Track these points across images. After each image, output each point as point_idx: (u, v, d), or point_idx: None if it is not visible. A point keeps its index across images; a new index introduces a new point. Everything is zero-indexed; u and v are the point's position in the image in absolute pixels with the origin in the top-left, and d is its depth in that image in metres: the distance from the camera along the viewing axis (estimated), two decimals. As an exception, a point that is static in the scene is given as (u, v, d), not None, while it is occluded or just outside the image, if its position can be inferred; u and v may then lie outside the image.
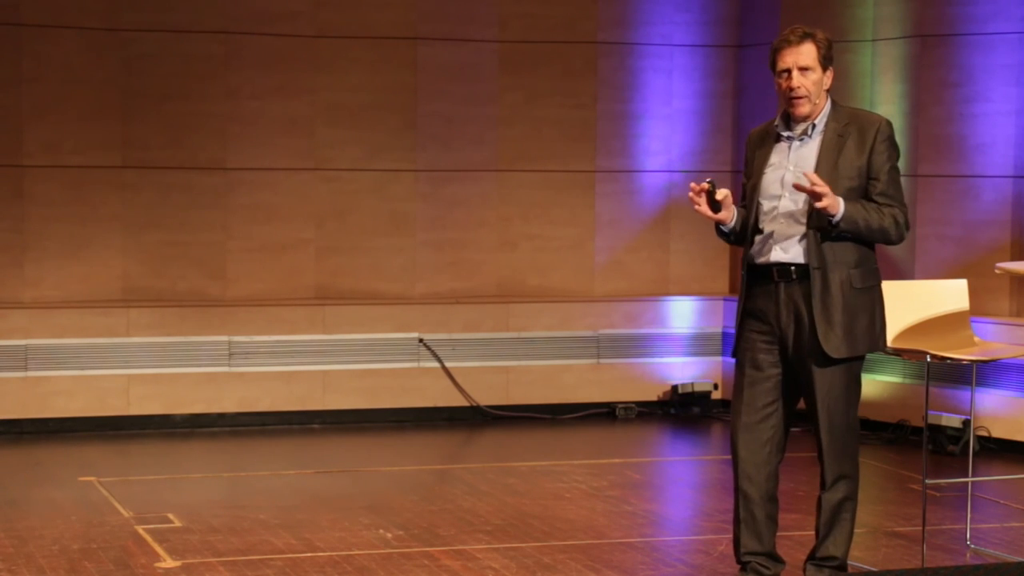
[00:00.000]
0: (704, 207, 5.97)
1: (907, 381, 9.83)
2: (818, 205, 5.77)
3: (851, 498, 6.06)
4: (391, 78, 10.62)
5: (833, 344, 5.88)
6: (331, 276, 10.61)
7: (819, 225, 5.88)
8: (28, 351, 9.88)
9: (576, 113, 10.90)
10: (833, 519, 6.05)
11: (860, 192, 5.92)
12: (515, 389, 10.62)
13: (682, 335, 10.76)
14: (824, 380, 5.93)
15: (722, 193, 5.93)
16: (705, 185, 5.92)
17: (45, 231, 10.19)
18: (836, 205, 5.80)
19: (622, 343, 10.76)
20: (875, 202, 5.91)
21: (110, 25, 10.19)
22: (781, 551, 6.25)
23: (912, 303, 6.93)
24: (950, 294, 7.01)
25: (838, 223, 5.82)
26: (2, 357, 9.84)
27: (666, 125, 11.00)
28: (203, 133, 10.38)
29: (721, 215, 5.99)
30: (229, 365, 10.18)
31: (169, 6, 10.27)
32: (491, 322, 10.60)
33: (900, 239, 5.95)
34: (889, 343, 6.78)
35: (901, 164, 10.26)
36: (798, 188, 5.80)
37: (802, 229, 5.90)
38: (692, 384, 10.66)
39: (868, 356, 6.10)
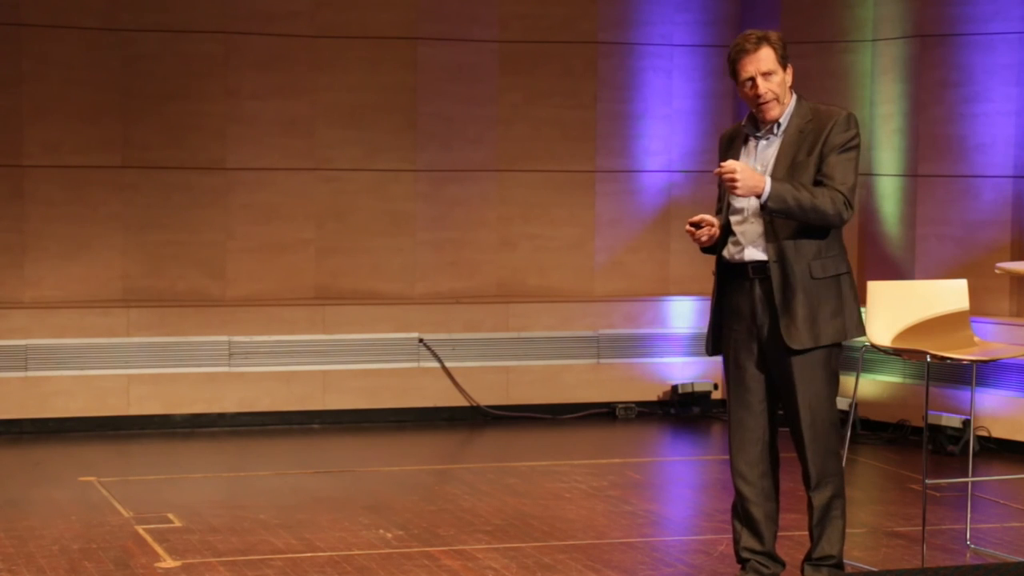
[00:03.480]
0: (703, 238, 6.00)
1: (907, 381, 9.83)
2: (736, 192, 5.82)
3: (839, 495, 6.07)
4: (391, 78, 10.62)
5: (795, 336, 5.90)
6: (331, 276, 10.61)
7: (774, 219, 5.91)
8: (28, 351, 9.88)
9: (576, 113, 10.90)
10: (824, 518, 6.06)
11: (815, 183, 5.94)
12: (515, 389, 10.62)
13: (682, 335, 10.76)
14: (804, 375, 5.94)
15: (713, 231, 6.01)
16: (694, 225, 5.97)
17: (45, 231, 10.19)
18: (759, 186, 5.81)
19: (622, 343, 10.76)
20: (820, 184, 5.89)
21: (110, 25, 10.19)
22: (781, 551, 6.26)
23: (912, 303, 6.93)
24: (950, 294, 7.01)
25: (765, 202, 5.83)
26: (2, 357, 9.83)
27: (666, 125, 11.00)
28: (203, 133, 10.38)
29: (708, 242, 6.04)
30: (229, 365, 10.18)
31: (169, 6, 10.27)
32: (491, 322, 10.60)
33: (840, 219, 5.88)
34: (889, 343, 6.78)
35: (901, 164, 10.30)
36: (719, 175, 5.85)
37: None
38: (692, 384, 10.66)
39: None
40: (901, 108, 10.10)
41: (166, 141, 10.33)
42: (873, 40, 10.26)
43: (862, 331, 6.10)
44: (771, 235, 5.91)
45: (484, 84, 10.78)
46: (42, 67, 10.11)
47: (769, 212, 5.84)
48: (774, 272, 5.91)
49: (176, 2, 10.28)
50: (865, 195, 10.28)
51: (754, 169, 5.94)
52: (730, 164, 5.84)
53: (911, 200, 10.04)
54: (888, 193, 10.19)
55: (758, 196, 5.82)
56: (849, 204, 5.88)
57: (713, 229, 5.96)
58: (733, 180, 5.81)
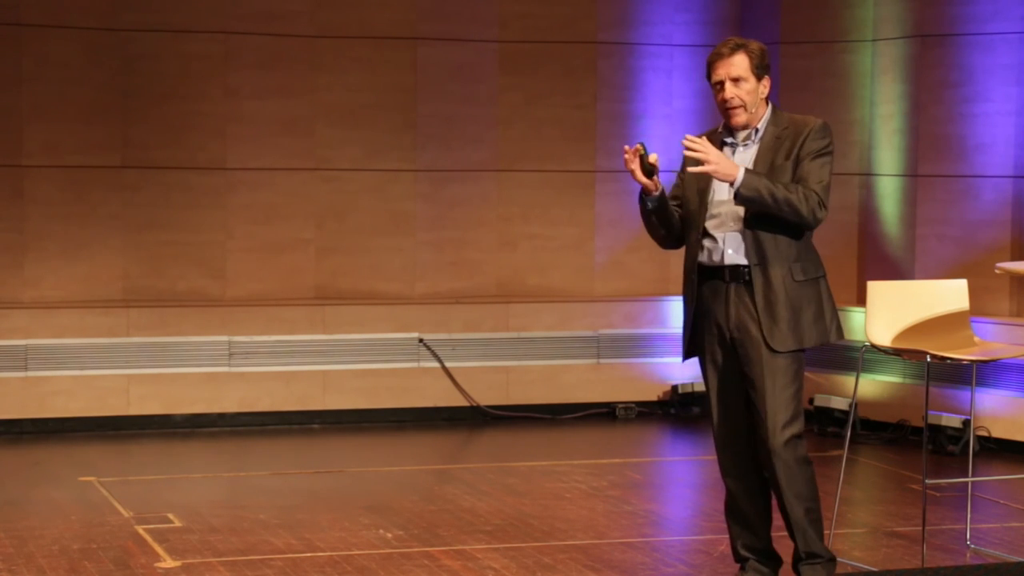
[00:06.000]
0: (638, 170, 5.94)
1: (907, 381, 9.83)
2: (702, 170, 5.81)
3: (808, 498, 6.05)
4: (391, 78, 10.62)
5: (778, 339, 5.93)
6: (331, 276, 10.61)
7: (755, 222, 5.92)
8: (28, 351, 9.88)
9: (576, 113, 10.90)
10: (797, 520, 6.04)
11: None
12: (515, 389, 10.62)
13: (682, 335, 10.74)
14: (774, 376, 5.94)
15: (654, 157, 5.94)
16: (638, 147, 5.93)
17: (45, 231, 10.19)
18: (731, 172, 5.82)
19: (622, 343, 10.76)
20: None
21: (110, 25, 10.20)
22: (777, 548, 6.26)
23: (912, 303, 6.93)
24: (950, 294, 7.01)
25: (738, 190, 5.84)
26: (2, 357, 9.83)
27: (666, 125, 11.00)
28: (203, 133, 10.38)
29: (649, 182, 5.97)
30: (229, 365, 10.19)
31: (169, 6, 10.27)
32: (491, 322, 10.60)
33: (813, 217, 5.89)
34: (889, 343, 6.79)
35: (901, 164, 10.30)
36: (688, 148, 5.82)
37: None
38: (692, 384, 10.66)
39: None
40: (901, 108, 10.10)
41: (166, 141, 10.33)
42: (873, 40, 10.26)
43: (842, 334, 6.11)
44: (751, 239, 5.94)
45: (484, 84, 10.78)
46: (42, 67, 10.11)
47: (741, 200, 5.86)
48: (756, 275, 5.94)
49: (176, 2, 10.28)
50: (865, 195, 10.28)
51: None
52: (703, 142, 5.86)
53: (911, 200, 10.04)
54: (888, 193, 10.19)
55: (731, 183, 5.85)
56: (823, 204, 5.91)
57: (635, 161, 5.92)
58: (706, 156, 5.80)
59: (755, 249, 5.93)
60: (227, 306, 10.28)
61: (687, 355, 6.22)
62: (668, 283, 10.98)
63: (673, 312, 10.78)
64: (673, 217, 6.11)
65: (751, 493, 6.14)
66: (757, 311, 5.93)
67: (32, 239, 10.18)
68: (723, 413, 6.12)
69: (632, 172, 5.94)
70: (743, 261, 5.97)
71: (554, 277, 10.95)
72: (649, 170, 5.94)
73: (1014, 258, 9.60)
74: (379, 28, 10.59)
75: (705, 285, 6.06)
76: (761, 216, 5.91)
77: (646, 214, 6.10)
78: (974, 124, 9.81)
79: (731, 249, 5.98)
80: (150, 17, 10.25)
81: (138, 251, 10.32)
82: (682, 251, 6.23)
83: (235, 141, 10.43)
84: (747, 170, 5.85)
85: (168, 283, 10.36)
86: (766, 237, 5.93)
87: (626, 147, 5.97)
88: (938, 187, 9.95)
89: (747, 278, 5.96)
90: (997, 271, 7.30)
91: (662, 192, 6.02)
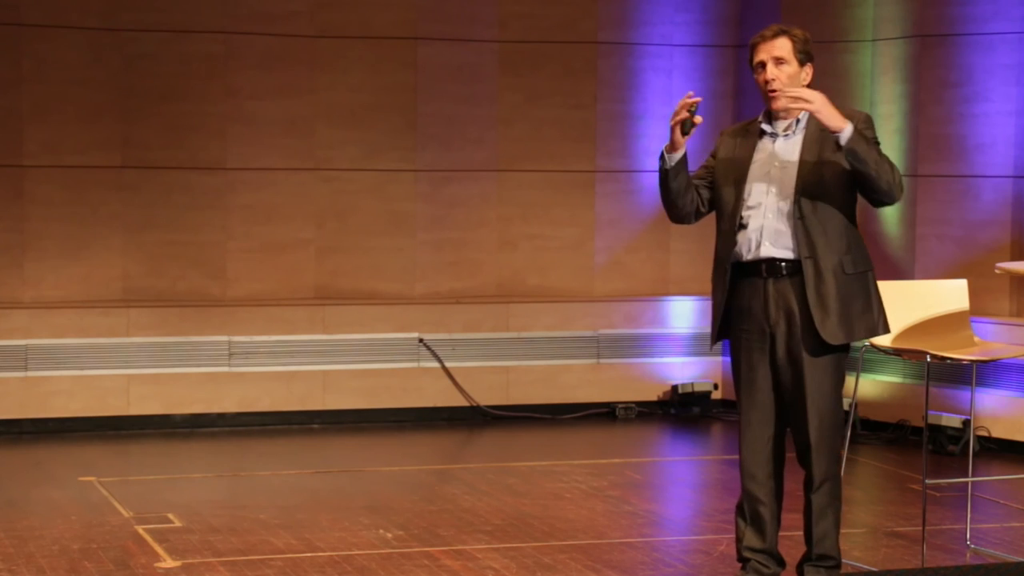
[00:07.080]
0: (682, 122, 5.92)
1: (907, 381, 9.83)
2: (806, 107, 5.74)
3: (837, 498, 6.07)
4: (391, 78, 10.62)
5: (830, 330, 5.87)
6: (331, 276, 10.61)
7: (803, 216, 5.87)
8: (28, 351, 9.88)
9: (576, 113, 10.90)
10: (823, 521, 6.05)
11: (845, 178, 5.86)
12: (515, 389, 10.62)
13: (682, 335, 10.76)
14: (815, 374, 5.92)
15: (698, 119, 5.91)
16: (697, 101, 5.89)
17: (45, 231, 10.19)
18: (839, 122, 5.72)
19: (622, 343, 10.76)
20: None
21: (110, 25, 10.20)
22: (781, 550, 6.26)
23: (912, 303, 6.93)
24: (950, 294, 7.01)
25: (847, 142, 5.72)
26: (2, 357, 9.84)
27: (666, 125, 10.92)
28: (203, 133, 10.38)
29: (680, 139, 5.97)
30: (229, 365, 10.19)
31: (169, 6, 10.27)
32: (491, 322, 10.60)
33: (900, 189, 5.83)
34: (889, 343, 6.78)
35: (901, 164, 10.30)
36: (791, 101, 5.78)
37: (790, 223, 5.90)
38: (692, 384, 10.66)
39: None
40: (901, 108, 10.10)
41: (166, 141, 10.33)
42: (873, 40, 10.27)
43: (888, 329, 6.06)
44: (802, 230, 5.85)
45: (484, 84, 10.78)
46: (42, 67, 10.12)
47: (847, 152, 5.71)
48: (807, 268, 5.85)
49: (176, 2, 10.28)
50: (865, 195, 10.28)
51: (773, 165, 5.93)
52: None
53: (911, 200, 10.05)
54: (888, 193, 10.19)
55: (836, 132, 5.73)
56: (902, 184, 5.86)
57: (689, 115, 5.90)
58: (810, 98, 5.72)
59: (806, 241, 5.85)
60: (227, 306, 10.28)
61: (717, 338, 6.16)
62: (668, 283, 10.99)
63: (673, 312, 10.78)
64: (688, 188, 6.05)
65: (769, 497, 6.10)
66: (808, 304, 5.87)
67: (32, 239, 10.18)
68: (751, 413, 6.05)
69: (677, 123, 5.91)
70: (778, 254, 5.88)
71: (554, 277, 10.95)
72: (687, 129, 5.92)
73: (1014, 258, 9.61)
74: (379, 28, 10.59)
75: (742, 282, 5.99)
76: (808, 207, 5.83)
77: (663, 175, 6.04)
78: (974, 124, 9.81)
79: (768, 242, 5.90)
80: (150, 17, 10.25)
81: (138, 251, 10.33)
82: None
83: (235, 141, 10.43)
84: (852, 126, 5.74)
85: (168, 283, 10.36)
86: (816, 229, 5.85)
87: (691, 92, 5.88)
88: (938, 187, 9.96)
89: (784, 272, 5.91)
90: (997, 271, 7.30)
91: (684, 156, 5.98)
